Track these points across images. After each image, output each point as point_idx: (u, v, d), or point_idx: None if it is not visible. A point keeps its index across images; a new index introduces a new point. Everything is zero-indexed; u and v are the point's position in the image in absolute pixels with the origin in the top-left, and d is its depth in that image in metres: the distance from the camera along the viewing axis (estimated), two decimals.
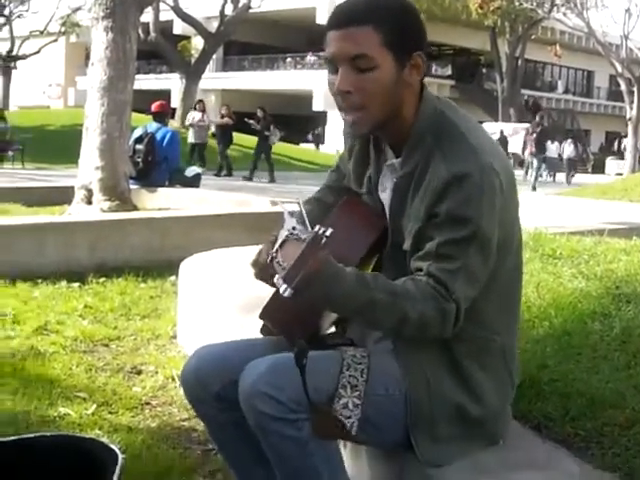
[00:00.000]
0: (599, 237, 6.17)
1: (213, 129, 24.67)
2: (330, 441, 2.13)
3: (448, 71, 54.79)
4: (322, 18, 45.37)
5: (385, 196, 2.26)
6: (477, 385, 2.18)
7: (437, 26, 41.63)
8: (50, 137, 29.31)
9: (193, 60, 36.51)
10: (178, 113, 31.13)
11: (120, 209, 8.55)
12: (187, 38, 45.08)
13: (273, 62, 54.60)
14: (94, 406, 3.62)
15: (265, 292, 2.19)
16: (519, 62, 49.76)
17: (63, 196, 9.49)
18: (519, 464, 2.32)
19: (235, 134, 24.92)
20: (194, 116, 23.57)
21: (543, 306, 3.94)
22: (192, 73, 33.61)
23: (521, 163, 35.51)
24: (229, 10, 34.38)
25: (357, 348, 2.20)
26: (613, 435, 2.58)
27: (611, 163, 45.76)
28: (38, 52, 45.47)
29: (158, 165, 10.50)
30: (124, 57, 8.86)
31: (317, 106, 47.96)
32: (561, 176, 33.35)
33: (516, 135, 38.71)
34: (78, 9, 43.78)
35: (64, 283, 6.03)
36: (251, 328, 2.42)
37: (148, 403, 3.77)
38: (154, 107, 11.17)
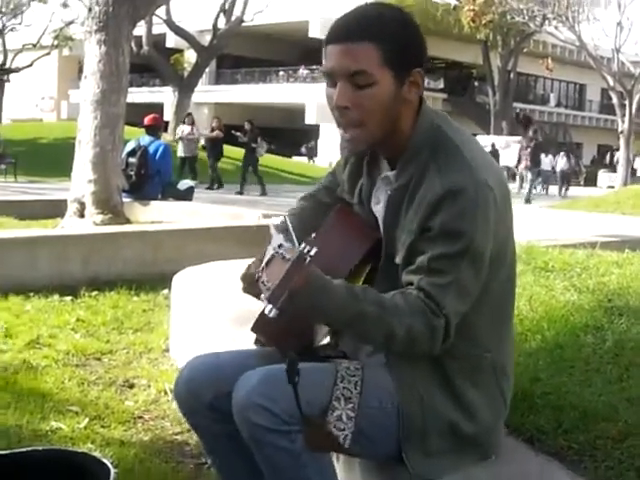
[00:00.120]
0: (591, 250, 6.18)
1: (203, 142, 24.64)
2: (323, 453, 2.13)
3: (440, 84, 54.97)
4: (315, 32, 45.59)
5: (379, 208, 2.25)
6: (470, 403, 2.17)
7: (429, 39, 40.28)
8: (43, 150, 29.29)
9: (186, 73, 36.59)
10: (171, 126, 31.16)
11: (113, 222, 8.55)
12: (180, 51, 45.15)
13: (266, 75, 54.72)
14: (86, 420, 3.60)
15: (257, 305, 2.19)
16: (511, 75, 49.95)
17: (56, 209, 9.49)
18: (512, 477, 2.32)
19: (226, 147, 24.90)
20: (183, 129, 23.48)
21: (535, 319, 3.94)
22: (185, 86, 33.66)
23: (513, 176, 35.58)
24: (222, 23, 34.46)
25: (351, 361, 2.20)
26: (606, 448, 2.57)
27: (603, 176, 45.90)
28: (31, 65, 45.46)
29: (151, 178, 10.50)
30: (117, 70, 8.87)
31: (310, 119, 48.06)
32: (554, 189, 33.44)
33: (508, 148, 38.84)
34: (71, 22, 43.81)
35: (56, 297, 6.01)
36: (243, 341, 2.41)
37: (140, 417, 3.76)
38: (147, 120, 11.17)
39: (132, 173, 10.32)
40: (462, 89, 56.42)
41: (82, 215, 8.82)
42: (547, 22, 38.96)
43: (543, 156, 31.68)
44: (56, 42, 46.75)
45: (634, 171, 43.83)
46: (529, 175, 28.44)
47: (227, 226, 8.08)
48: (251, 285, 2.16)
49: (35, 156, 26.65)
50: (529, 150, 29.22)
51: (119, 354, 4.76)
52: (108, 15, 8.80)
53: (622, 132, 37.82)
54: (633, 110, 37.52)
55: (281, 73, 54.13)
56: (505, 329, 2.29)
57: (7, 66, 46.15)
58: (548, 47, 50.81)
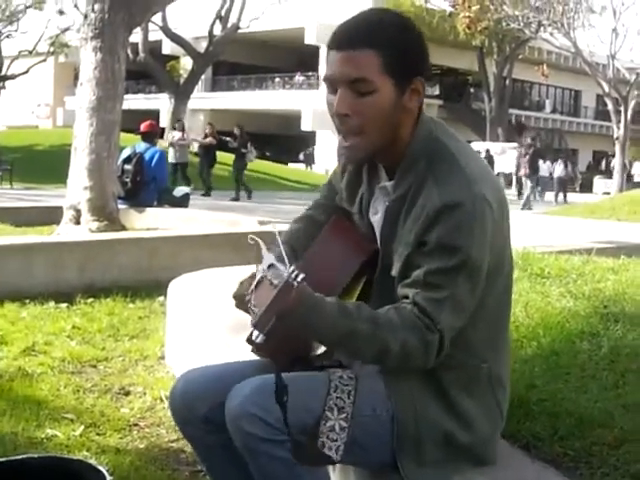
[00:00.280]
0: (587, 256, 6.19)
1: (196, 148, 24.55)
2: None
3: (436, 91, 54.97)
4: (310, 39, 45.65)
5: (377, 219, 2.24)
6: (465, 412, 2.16)
7: None
8: (38, 157, 29.28)
9: (182, 80, 36.61)
10: (167, 133, 31.13)
11: (108, 229, 8.54)
12: (176, 58, 45.18)
13: (262, 82, 54.77)
14: (82, 427, 3.60)
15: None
16: (507, 82, 50.04)
17: (52, 216, 9.48)
18: None
19: (221, 153, 24.83)
20: (174, 135, 23.34)
21: (531, 326, 3.94)
22: (181, 93, 33.69)
23: (510, 182, 35.62)
24: (218, 30, 34.51)
25: (345, 369, 2.19)
26: (602, 455, 2.57)
27: (599, 182, 46.01)
28: (27, 72, 45.44)
29: (147, 185, 10.49)
30: (113, 77, 8.87)
31: (306, 126, 48.10)
32: (550, 195, 33.48)
33: (504, 154, 38.89)
34: (67, 29, 43.88)
35: (52, 304, 6.01)
36: (239, 348, 2.41)
37: (136, 424, 3.75)
38: (143, 127, 11.17)
39: (128, 180, 10.31)
40: (458, 95, 56.51)
41: (78, 222, 8.82)
42: (542, 29, 39.02)
43: (541, 162, 31.70)
44: (52, 49, 46.76)
45: (631, 177, 43.89)
46: (528, 182, 28.42)
47: (223, 233, 8.08)
48: (242, 302, 2.14)
49: (31, 163, 26.65)
50: (527, 157, 29.23)
51: (115, 361, 4.75)
52: (104, 22, 8.80)
53: (617, 138, 37.92)
54: (628, 116, 37.64)
55: (277, 80, 54.18)
56: (501, 339, 2.28)
57: (3, 73, 46.12)
58: (543, 54, 50.94)
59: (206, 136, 23.92)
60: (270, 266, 1.92)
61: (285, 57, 53.42)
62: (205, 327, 4.16)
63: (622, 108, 37.48)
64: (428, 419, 2.12)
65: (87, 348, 4.94)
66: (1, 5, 44.64)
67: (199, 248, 7.26)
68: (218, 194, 22.41)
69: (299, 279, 1.88)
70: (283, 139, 54.44)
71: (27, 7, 44.94)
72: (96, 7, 8.82)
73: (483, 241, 2.02)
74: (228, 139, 23.38)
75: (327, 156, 41.13)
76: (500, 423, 2.29)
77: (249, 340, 2.22)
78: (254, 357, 2.32)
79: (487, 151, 34.96)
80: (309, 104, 45.41)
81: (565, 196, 33.21)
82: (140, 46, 32.26)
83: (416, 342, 1.99)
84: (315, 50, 45.42)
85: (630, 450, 2.57)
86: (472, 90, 57.21)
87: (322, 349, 2.33)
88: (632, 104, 37.67)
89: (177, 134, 23.21)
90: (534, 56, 49.05)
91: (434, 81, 55.39)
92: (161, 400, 4.01)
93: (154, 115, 34.99)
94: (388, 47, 2.04)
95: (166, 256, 7.12)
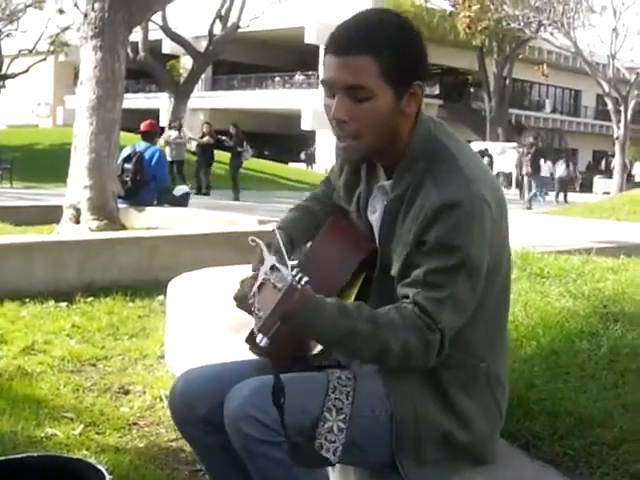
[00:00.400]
0: (587, 256, 6.19)
1: (194, 147, 24.47)
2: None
3: (436, 90, 54.98)
4: (311, 38, 45.65)
5: (375, 218, 2.25)
6: (464, 412, 2.16)
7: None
8: (38, 156, 29.26)
9: (182, 79, 36.56)
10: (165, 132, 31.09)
11: (108, 228, 8.54)
12: (176, 57, 45.15)
13: (262, 81, 54.77)
14: (81, 426, 3.60)
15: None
16: (507, 81, 50.01)
17: (51, 215, 9.48)
18: None
19: (219, 152, 24.77)
20: (170, 134, 23.24)
21: (531, 325, 3.94)
22: (181, 92, 33.66)
23: (509, 182, 35.62)
24: (218, 30, 34.48)
25: (343, 370, 2.18)
26: (601, 454, 2.58)
27: (599, 182, 45.99)
28: (27, 71, 45.43)
29: (146, 184, 10.49)
30: (113, 76, 8.86)
31: (305, 125, 48.09)
32: (551, 195, 33.47)
33: (504, 154, 38.88)
34: (67, 28, 43.87)
35: (52, 303, 6.01)
36: (238, 348, 2.41)
37: (136, 423, 3.75)
38: (143, 126, 11.17)
39: (128, 179, 10.31)
40: (458, 95, 56.50)
41: (78, 221, 8.81)
42: (543, 28, 39.02)
43: (542, 162, 31.70)
44: (52, 48, 46.75)
45: (631, 177, 43.88)
46: (532, 182, 28.35)
47: (223, 232, 8.08)
48: (244, 304, 2.13)
49: (31, 162, 26.64)
50: (529, 156, 29.21)
51: (114, 360, 4.75)
52: (104, 21, 8.80)
53: (617, 138, 37.92)
54: (628, 116, 37.64)
55: (277, 79, 54.18)
56: (500, 338, 2.28)
57: (3, 72, 46.12)
58: (544, 53, 50.93)
59: (204, 135, 23.83)
60: (272, 268, 1.92)
61: (285, 56, 53.41)
62: (205, 326, 4.16)
63: (622, 108, 37.48)
64: (427, 419, 2.12)
65: (87, 347, 4.94)
66: (1, 4, 44.62)
67: (199, 247, 7.26)
68: (217, 193, 22.39)
69: (303, 282, 1.88)
70: (283, 138, 54.43)
71: (27, 6, 44.91)
72: (96, 6, 8.82)
73: (482, 240, 2.02)
74: (224, 138, 23.36)
75: (327, 155, 41.15)
76: (499, 422, 2.29)
77: (248, 340, 2.23)
78: (253, 357, 2.32)
79: (486, 150, 34.90)
80: (309, 103, 45.37)
81: (565, 196, 33.21)
82: (140, 45, 32.23)
83: (417, 342, 1.99)
84: (315, 49, 45.40)
85: (629, 450, 2.57)
86: (472, 90, 57.19)
87: (318, 348, 2.32)
88: (632, 104, 37.67)
89: (173, 133, 23.12)
90: (534, 56, 49.04)
91: (434, 81, 55.40)
92: (160, 399, 4.01)
93: (154, 114, 34.97)
94: (386, 53, 2.03)
95: (166, 255, 7.12)
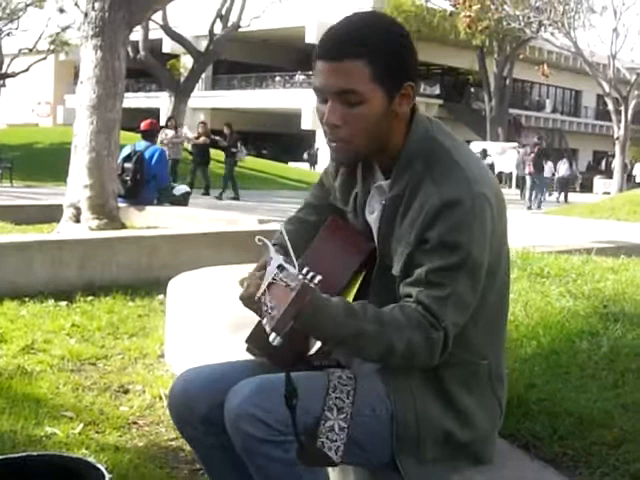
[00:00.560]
0: (587, 256, 6.20)
1: (189, 146, 24.40)
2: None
3: (436, 90, 55.06)
4: (311, 37, 45.65)
5: (373, 218, 2.25)
6: (465, 410, 2.17)
7: (425, 46, 41.80)
8: (39, 155, 29.28)
9: (182, 79, 36.54)
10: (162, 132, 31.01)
11: (108, 227, 8.53)
12: (176, 57, 45.13)
13: (262, 81, 54.79)
14: (81, 425, 3.59)
15: (252, 313, 2.18)
16: (507, 81, 49.99)
17: (52, 214, 9.49)
18: None
19: (217, 151, 24.72)
20: (167, 133, 23.09)
21: (531, 325, 3.94)
22: (181, 92, 33.61)
23: (510, 182, 35.58)
24: (218, 29, 34.45)
25: (344, 369, 2.18)
26: (601, 454, 2.58)
27: (599, 182, 45.96)
28: (27, 70, 45.42)
29: (147, 183, 10.48)
30: (113, 75, 8.86)
31: (306, 125, 48.09)
32: (554, 195, 33.47)
33: (504, 154, 38.86)
34: (67, 27, 43.86)
35: (52, 301, 6.01)
36: (238, 347, 2.41)
37: (135, 422, 3.75)
38: (143, 125, 11.17)
39: (128, 178, 10.29)
40: (458, 95, 56.54)
41: (78, 220, 8.82)
42: (543, 28, 39.00)
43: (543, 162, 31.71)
44: (52, 47, 46.74)
45: (632, 177, 43.86)
46: (536, 182, 28.31)
47: (223, 231, 8.08)
48: (251, 303, 2.12)
49: (31, 161, 26.67)
50: (532, 156, 29.20)
51: (114, 359, 4.75)
52: (104, 20, 8.80)
53: (618, 138, 37.92)
54: (629, 116, 37.63)
55: (277, 78, 54.20)
56: (500, 336, 2.29)
57: (3, 71, 46.12)
58: (544, 53, 50.91)
59: (199, 135, 23.74)
60: (279, 267, 1.92)
61: (285, 56, 53.40)
62: (204, 325, 4.16)
63: (622, 108, 37.48)
64: (428, 417, 2.12)
65: (86, 346, 4.94)
66: (2, 3, 44.61)
67: (199, 247, 7.26)
68: (215, 193, 22.36)
69: (316, 281, 1.88)
70: (283, 138, 54.45)
71: (28, 5, 44.89)
72: (96, 5, 8.81)
73: (483, 238, 2.03)
74: (218, 138, 23.34)
75: (326, 155, 41.13)
76: (499, 420, 2.30)
77: (249, 340, 2.22)
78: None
79: (484, 151, 34.89)
80: (309, 103, 45.32)
81: (566, 196, 33.21)
82: (140, 44, 32.19)
83: (421, 340, 2.00)
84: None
85: (629, 450, 2.57)
86: (472, 90, 57.20)
87: (317, 347, 2.32)
88: (632, 104, 37.66)
89: (170, 132, 22.96)
90: (535, 56, 49.00)
91: (434, 80, 55.46)
92: (160, 398, 4.01)
93: (154, 113, 35.00)
94: (376, 56, 2.03)
95: (166, 254, 7.12)
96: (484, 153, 33.68)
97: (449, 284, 2.01)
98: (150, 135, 11.13)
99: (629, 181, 41.54)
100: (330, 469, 2.25)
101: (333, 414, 2.06)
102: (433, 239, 2.02)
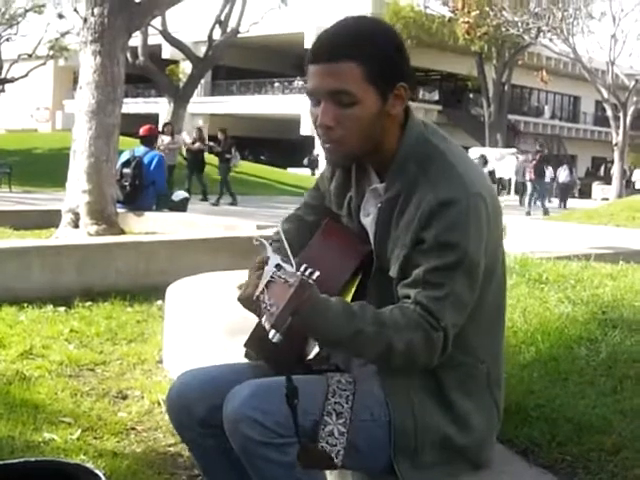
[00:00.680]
0: (585, 262, 6.19)
1: (184, 152, 24.36)
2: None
3: (435, 96, 55.09)
4: (310, 43, 45.42)
5: (368, 221, 2.25)
6: (463, 413, 2.16)
7: (424, 52, 41.87)
8: (38, 160, 29.27)
9: (181, 84, 36.54)
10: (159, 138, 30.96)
11: (107, 233, 8.54)
12: (175, 62, 45.16)
13: (261, 87, 54.82)
14: (79, 431, 3.59)
15: (251, 317, 2.18)
16: (506, 87, 50.00)
17: (50, 219, 9.50)
18: None
19: (212, 157, 24.70)
20: (163, 139, 22.96)
21: (530, 331, 3.94)
22: (180, 97, 33.61)
23: (509, 188, 35.57)
24: (217, 35, 34.48)
25: (343, 374, 2.19)
26: (600, 461, 2.57)
27: (597, 188, 45.99)
28: (26, 75, 45.46)
29: (145, 189, 10.49)
30: (112, 81, 8.88)
31: (305, 130, 48.08)
32: (554, 201, 33.46)
33: (503, 160, 38.86)
34: (67, 33, 43.90)
35: (50, 307, 6.00)
36: (237, 352, 2.41)
37: (134, 428, 3.75)
38: (142, 131, 11.19)
39: (127, 184, 10.30)
40: (457, 101, 56.57)
41: (76, 225, 8.82)
42: (542, 34, 39.07)
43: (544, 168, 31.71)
44: (51, 52, 46.79)
45: (631, 184, 43.90)
46: (537, 187, 28.31)
47: (221, 237, 8.08)
48: (250, 303, 2.12)
49: (30, 166, 26.65)
50: (533, 162, 29.21)
51: (112, 365, 4.74)
52: (103, 26, 8.82)
53: (616, 144, 37.97)
54: (627, 122, 37.67)
55: (276, 84, 54.22)
56: (498, 340, 2.29)
57: (2, 76, 46.15)
58: (542, 59, 50.94)
59: (194, 141, 23.68)
60: (277, 266, 1.93)
61: (284, 62, 53.40)
62: (203, 331, 4.15)
63: (621, 114, 37.54)
64: (426, 422, 2.12)
65: (85, 352, 4.93)
66: (1, 8, 44.68)
67: (197, 252, 7.26)
68: (212, 199, 22.35)
69: (314, 277, 1.90)
70: (282, 143, 54.45)
71: (27, 11, 45.00)
72: (96, 11, 8.83)
73: (479, 237, 2.04)
74: (212, 144, 23.32)
75: (324, 160, 41.12)
76: (497, 424, 2.30)
77: (247, 344, 2.22)
78: None
79: (482, 157, 34.89)
80: (308, 108, 45.37)
81: (565, 202, 33.23)
82: (139, 50, 32.18)
83: (421, 341, 2.00)
84: None
85: (628, 456, 2.57)
86: (471, 95, 57.22)
87: (315, 352, 2.32)
88: (631, 110, 37.72)
89: (166, 138, 22.85)
90: (533, 62, 49.04)
91: (433, 86, 55.50)
92: (159, 404, 4.01)
93: (153, 119, 35.03)
94: (369, 57, 2.04)
95: (164, 260, 7.12)
96: (484, 159, 33.62)
97: (447, 284, 2.02)
98: (149, 141, 11.14)
99: (628, 187, 41.58)
100: (328, 472, 2.25)
101: (332, 419, 2.06)
102: (429, 239, 2.03)
